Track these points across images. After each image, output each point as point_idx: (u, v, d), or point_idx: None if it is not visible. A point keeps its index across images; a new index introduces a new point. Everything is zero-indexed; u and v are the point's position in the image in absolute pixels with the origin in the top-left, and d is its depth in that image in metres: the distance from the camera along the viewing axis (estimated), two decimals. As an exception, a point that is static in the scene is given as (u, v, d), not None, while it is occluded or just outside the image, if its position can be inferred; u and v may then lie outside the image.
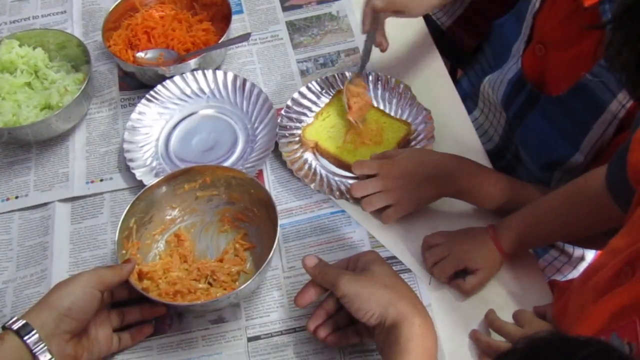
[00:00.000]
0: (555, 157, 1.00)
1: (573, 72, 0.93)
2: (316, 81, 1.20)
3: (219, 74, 1.21)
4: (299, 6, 1.38)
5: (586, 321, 0.72)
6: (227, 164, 1.12)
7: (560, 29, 0.97)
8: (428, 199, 1.03)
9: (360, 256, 0.89)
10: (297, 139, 1.13)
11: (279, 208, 1.02)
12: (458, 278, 0.95)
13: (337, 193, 1.06)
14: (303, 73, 1.26)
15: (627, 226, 0.74)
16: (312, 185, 1.08)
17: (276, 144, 1.12)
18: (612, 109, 0.89)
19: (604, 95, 0.89)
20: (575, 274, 1.19)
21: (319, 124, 1.14)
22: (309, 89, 1.20)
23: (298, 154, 1.12)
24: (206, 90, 1.21)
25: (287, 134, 1.14)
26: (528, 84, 1.04)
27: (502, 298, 0.96)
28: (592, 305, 0.72)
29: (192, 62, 1.20)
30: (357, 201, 1.05)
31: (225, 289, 0.96)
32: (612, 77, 0.87)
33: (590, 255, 1.19)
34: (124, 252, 0.96)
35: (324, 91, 1.20)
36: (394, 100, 1.18)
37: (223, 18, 1.28)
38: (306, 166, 1.11)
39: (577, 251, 1.18)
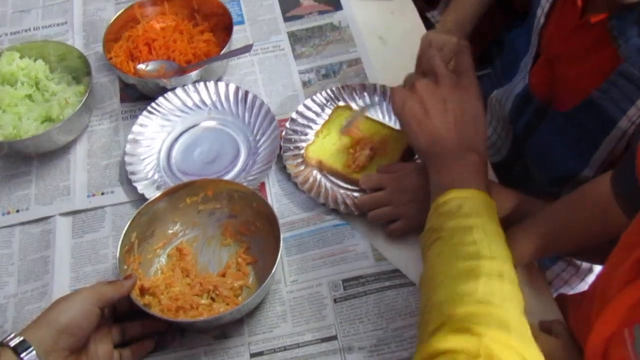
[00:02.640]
0: (564, 172, 1.00)
1: (582, 88, 0.92)
2: (320, 93, 1.20)
3: (221, 85, 1.20)
4: (300, 16, 1.38)
5: (605, 316, 0.71)
6: (229, 176, 1.11)
7: (567, 45, 0.96)
8: None
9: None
10: (302, 152, 1.13)
11: (281, 221, 1.01)
12: None
13: (343, 206, 1.05)
14: (305, 84, 1.26)
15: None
16: (317, 198, 1.07)
17: (279, 156, 1.12)
18: (621, 126, 0.88)
19: (613, 112, 0.88)
20: (583, 286, 1.18)
21: (320, 142, 1.13)
22: (313, 101, 1.19)
23: (302, 167, 1.11)
24: (208, 102, 1.20)
25: (291, 147, 1.13)
26: (535, 98, 1.04)
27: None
28: (611, 302, 0.71)
29: (194, 74, 1.19)
30: (362, 213, 1.04)
31: (227, 304, 0.95)
32: (622, 94, 0.86)
33: (598, 267, 1.18)
34: (125, 267, 0.95)
35: (328, 103, 1.19)
36: None
37: (224, 28, 1.28)
38: (311, 179, 1.10)
39: (585, 263, 1.17)
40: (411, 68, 1.24)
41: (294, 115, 1.17)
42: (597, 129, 0.91)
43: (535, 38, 1.05)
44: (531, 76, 1.05)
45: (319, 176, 1.10)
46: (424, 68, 0.98)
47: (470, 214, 0.82)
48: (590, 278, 1.18)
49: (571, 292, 1.18)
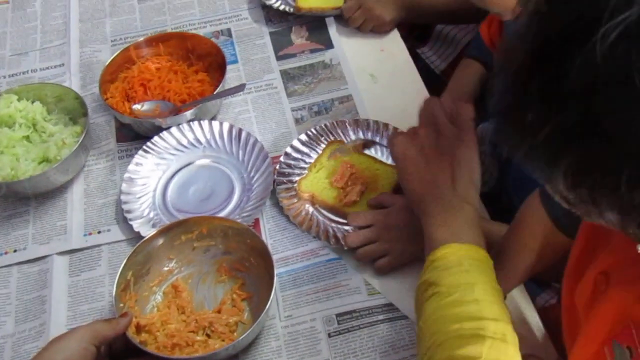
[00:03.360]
0: None
1: None
2: (315, 129, 1.22)
3: (215, 124, 1.23)
4: (293, 55, 1.41)
5: (585, 338, 0.72)
6: (223, 213, 1.13)
7: None
8: (423, 249, 1.03)
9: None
10: (295, 185, 1.15)
11: (275, 257, 1.03)
12: None
13: (334, 240, 1.07)
14: (297, 121, 1.28)
15: (586, 235, 0.76)
16: (309, 232, 1.09)
17: (272, 192, 1.14)
18: None
19: None
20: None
21: (313, 176, 1.15)
22: (307, 136, 1.21)
23: (295, 200, 1.13)
24: (202, 140, 1.23)
25: (285, 180, 1.15)
26: None
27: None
28: (585, 322, 0.73)
29: (188, 113, 1.22)
30: (354, 249, 1.06)
31: (223, 340, 0.96)
32: None
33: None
34: (121, 305, 0.96)
35: (322, 138, 1.21)
36: None
37: (218, 68, 1.30)
38: (303, 212, 1.11)
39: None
40: (401, 104, 1.27)
41: (288, 149, 1.19)
42: None
43: None
44: None
45: (311, 209, 1.12)
46: (425, 119, 0.99)
47: (470, 270, 0.82)
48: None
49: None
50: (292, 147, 1.20)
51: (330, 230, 1.08)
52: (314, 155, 1.19)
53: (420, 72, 1.37)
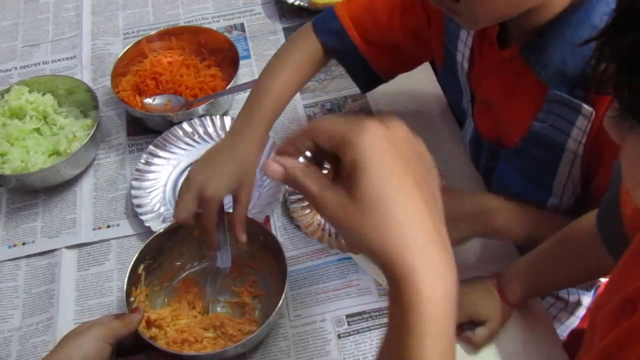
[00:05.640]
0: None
1: (521, 122, 0.92)
2: None
3: (227, 119, 1.22)
4: (306, 51, 1.39)
5: None
6: (234, 209, 1.12)
7: (494, 84, 0.95)
8: (458, 239, 0.99)
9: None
10: None
11: (286, 255, 1.02)
12: (466, 330, 0.94)
13: (346, 247, 1.05)
14: (310, 118, 1.27)
15: (624, 262, 0.74)
16: (321, 241, 1.07)
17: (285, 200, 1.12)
18: (570, 148, 0.87)
19: (557, 137, 0.87)
20: (573, 320, 1.17)
21: None
22: None
23: (307, 211, 1.11)
24: (214, 135, 1.22)
25: (296, 191, 1.14)
26: (485, 141, 1.04)
27: (513, 348, 0.95)
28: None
29: (200, 108, 1.21)
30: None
31: (232, 338, 0.95)
32: (560, 118, 0.85)
33: (587, 299, 1.18)
34: (132, 299, 0.95)
35: None
36: None
37: (231, 63, 1.29)
38: (315, 223, 1.09)
39: (572, 297, 1.16)
40: (415, 100, 1.26)
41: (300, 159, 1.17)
42: (549, 157, 0.90)
43: (464, 82, 1.04)
44: (475, 120, 1.05)
45: (323, 220, 1.10)
46: None
47: None
48: (580, 312, 1.17)
49: (561, 327, 1.16)
50: (303, 156, 1.17)
51: (343, 240, 1.06)
52: (326, 165, 1.17)
53: (432, 68, 1.35)
